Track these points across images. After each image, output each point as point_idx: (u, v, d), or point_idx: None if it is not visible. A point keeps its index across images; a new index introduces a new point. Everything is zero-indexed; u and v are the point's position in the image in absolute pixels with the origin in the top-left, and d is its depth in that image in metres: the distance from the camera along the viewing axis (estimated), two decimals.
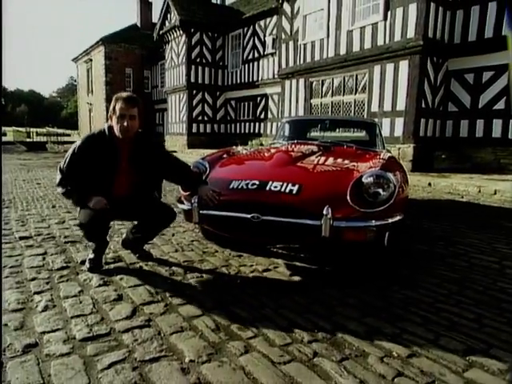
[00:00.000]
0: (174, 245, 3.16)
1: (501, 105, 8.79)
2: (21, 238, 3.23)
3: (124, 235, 2.90)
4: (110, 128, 2.46)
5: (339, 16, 10.51)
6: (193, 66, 17.42)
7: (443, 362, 1.61)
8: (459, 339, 1.78)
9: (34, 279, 2.36)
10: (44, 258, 2.75)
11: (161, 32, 19.06)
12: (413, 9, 8.78)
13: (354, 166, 2.82)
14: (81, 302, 2.06)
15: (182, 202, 2.80)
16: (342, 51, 10.51)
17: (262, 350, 1.65)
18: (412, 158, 9.08)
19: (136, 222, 2.75)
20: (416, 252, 3.12)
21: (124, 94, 2.43)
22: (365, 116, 10.01)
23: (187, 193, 2.77)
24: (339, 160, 3.03)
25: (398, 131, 9.33)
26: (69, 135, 34.72)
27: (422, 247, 3.24)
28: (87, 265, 2.56)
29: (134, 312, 1.97)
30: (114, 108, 2.39)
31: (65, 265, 2.63)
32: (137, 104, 2.41)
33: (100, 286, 2.29)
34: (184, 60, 17.49)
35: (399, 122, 9.29)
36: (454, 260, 2.92)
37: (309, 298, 2.18)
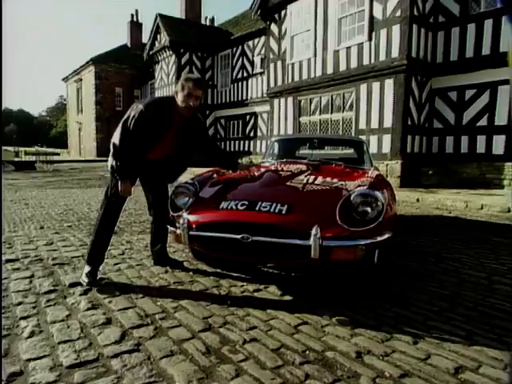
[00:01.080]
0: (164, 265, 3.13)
1: (484, 121, 9.02)
2: (7, 261, 3.17)
3: (152, 256, 3.19)
4: (173, 99, 2.72)
5: (326, 37, 10.77)
6: None
7: (435, 382, 1.61)
8: (450, 357, 1.79)
9: (20, 303, 2.31)
10: (31, 282, 2.70)
11: (151, 52, 19.29)
12: (396, 30, 9.05)
13: (343, 184, 2.85)
14: (68, 327, 2.02)
15: (171, 224, 2.79)
16: (329, 70, 10.73)
17: (253, 374, 1.64)
18: (400, 174, 9.21)
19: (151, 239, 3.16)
20: (407, 269, 3.13)
21: (194, 76, 2.78)
22: (352, 134, 10.17)
23: (176, 214, 2.77)
24: (328, 179, 3.06)
25: (386, 148, 9.48)
26: (58, 154, 34.47)
27: (413, 264, 3.26)
28: (85, 279, 2.66)
29: (123, 336, 1.94)
30: (184, 86, 2.65)
31: (52, 288, 2.58)
32: (203, 87, 2.73)
33: (88, 309, 2.25)
34: (174, 80, 17.65)
35: (386, 139, 9.45)
36: (444, 276, 2.94)
37: (299, 319, 2.17)
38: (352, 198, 2.47)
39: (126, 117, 2.65)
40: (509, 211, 6.50)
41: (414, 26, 9.15)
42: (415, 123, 9.51)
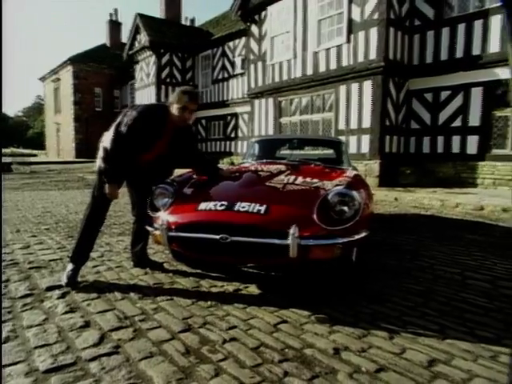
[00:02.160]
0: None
1: (458, 122, 9.27)
2: None
3: (132, 258, 3.19)
4: (167, 108, 2.78)
5: (305, 38, 10.88)
6: (163, 86, 17.46)
7: (410, 375, 1.66)
8: (424, 351, 1.85)
9: None
10: (6, 286, 2.65)
11: (130, 52, 19.07)
12: (373, 32, 9.22)
13: (321, 184, 2.89)
14: (45, 331, 1.99)
15: (150, 225, 2.78)
16: (309, 72, 10.84)
17: (232, 373, 1.65)
18: (378, 174, 9.37)
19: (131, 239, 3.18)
20: (385, 267, 3.20)
21: (189, 89, 2.85)
22: (332, 134, 10.29)
23: (156, 215, 2.76)
24: (306, 179, 3.10)
25: (365, 148, 9.63)
26: (35, 155, 33.64)
27: (390, 262, 3.34)
28: (64, 279, 2.66)
29: (101, 339, 1.92)
30: (180, 99, 2.70)
31: (29, 292, 2.54)
32: (197, 101, 2.80)
33: (66, 312, 2.23)
34: (154, 80, 17.51)
35: (365, 139, 9.61)
36: (420, 273, 3.02)
37: (278, 317, 2.20)
38: (329, 197, 2.51)
39: (118, 121, 2.68)
40: (481, 209, 6.70)
41: (391, 29, 9.33)
42: (393, 124, 9.70)
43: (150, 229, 2.76)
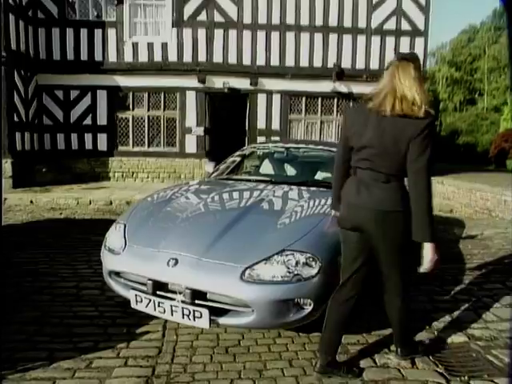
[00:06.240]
0: None
1: (89, 120, 10.04)
2: None
3: None
4: None
5: None
6: None
7: None
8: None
9: None
10: None
11: None
12: None
13: None
14: None
15: None
16: None
17: None
18: (12, 174, 8.79)
19: None
20: (5, 297, 3.12)
21: None
22: None
23: None
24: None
25: None
26: None
27: (9, 290, 3.27)
28: None
29: None
30: None
31: None
32: None
33: None
34: None
35: None
36: (39, 296, 3.18)
37: None
38: None
39: None
40: (111, 203, 7.75)
41: (12, 17, 8.72)
42: (23, 119, 9.26)
43: None
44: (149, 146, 10.35)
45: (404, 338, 2.33)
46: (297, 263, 2.21)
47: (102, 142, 10.05)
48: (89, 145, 10.06)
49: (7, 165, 8.69)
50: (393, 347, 2.50)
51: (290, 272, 2.18)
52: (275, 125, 10.24)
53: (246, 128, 10.35)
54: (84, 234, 5.36)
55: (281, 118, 10.22)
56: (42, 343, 2.53)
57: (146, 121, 10.21)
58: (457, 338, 2.74)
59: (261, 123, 10.22)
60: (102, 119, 9.96)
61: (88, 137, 10.02)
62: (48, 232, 5.50)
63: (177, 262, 2.28)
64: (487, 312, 3.16)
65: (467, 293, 3.54)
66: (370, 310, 3.04)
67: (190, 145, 10.24)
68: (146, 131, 10.27)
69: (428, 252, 1.86)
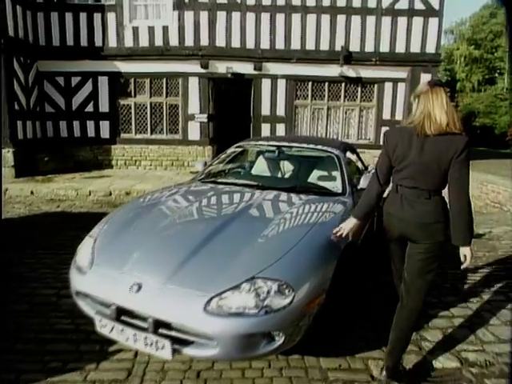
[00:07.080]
0: None
1: (90, 108, 9.88)
2: None
3: None
4: None
5: None
6: None
7: None
8: None
9: None
10: None
11: None
12: None
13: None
14: None
15: None
16: None
17: None
18: (14, 163, 8.76)
19: None
20: None
21: None
22: None
23: None
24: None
25: None
26: None
27: None
28: None
29: None
30: None
31: None
32: None
33: None
34: None
35: None
36: (17, 305, 3.11)
37: None
38: None
39: None
40: (110, 194, 7.66)
41: (8, 1, 8.50)
42: (24, 108, 9.15)
43: None
44: (151, 133, 10.18)
45: (398, 354, 2.31)
46: (268, 292, 2.04)
47: (105, 129, 9.92)
48: (91, 132, 9.94)
49: (9, 154, 8.64)
50: (377, 374, 2.35)
51: (259, 302, 2.01)
52: (280, 111, 9.92)
53: (251, 114, 10.07)
54: (77, 230, 5.24)
55: (286, 103, 9.88)
56: (12, 362, 2.47)
57: (149, 107, 10.01)
58: (448, 363, 2.57)
59: (265, 109, 9.91)
60: (104, 106, 9.80)
61: (90, 124, 9.89)
62: (42, 228, 5.50)
63: (140, 287, 2.13)
64: (485, 330, 2.96)
65: (465, 306, 3.33)
66: (361, 324, 2.87)
67: (194, 132, 10.02)
68: (149, 118, 10.08)
69: (468, 252, 2.15)
